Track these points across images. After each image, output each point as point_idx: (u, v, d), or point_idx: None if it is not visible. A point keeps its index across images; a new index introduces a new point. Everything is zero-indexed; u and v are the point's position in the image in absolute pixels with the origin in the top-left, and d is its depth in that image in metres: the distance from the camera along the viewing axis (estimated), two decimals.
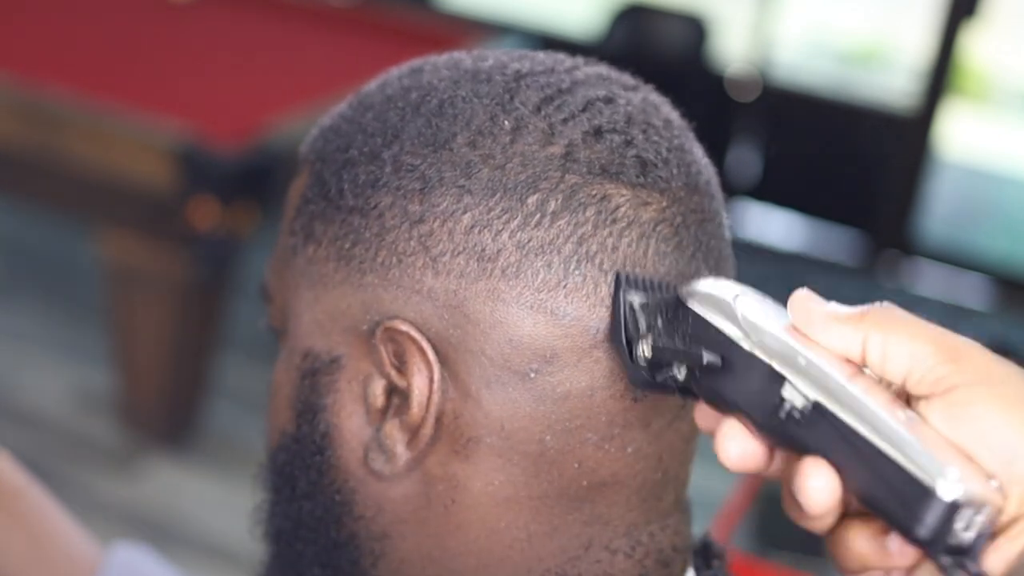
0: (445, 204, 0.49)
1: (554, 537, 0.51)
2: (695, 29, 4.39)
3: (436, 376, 0.49)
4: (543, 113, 0.50)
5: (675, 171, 0.51)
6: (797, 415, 0.44)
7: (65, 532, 0.72)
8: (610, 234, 0.48)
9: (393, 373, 0.50)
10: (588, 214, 0.48)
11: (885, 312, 0.44)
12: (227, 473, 2.71)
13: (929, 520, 0.40)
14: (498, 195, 0.48)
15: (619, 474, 0.51)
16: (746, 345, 0.46)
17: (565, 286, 0.48)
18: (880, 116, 4.43)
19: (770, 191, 4.55)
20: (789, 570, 1.51)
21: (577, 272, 0.48)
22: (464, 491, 0.50)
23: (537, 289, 0.48)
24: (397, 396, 0.50)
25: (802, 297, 0.45)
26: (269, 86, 2.96)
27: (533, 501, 0.50)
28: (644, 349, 0.47)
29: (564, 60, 0.54)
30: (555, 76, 0.52)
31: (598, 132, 0.50)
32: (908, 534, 0.41)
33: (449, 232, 0.48)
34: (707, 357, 0.47)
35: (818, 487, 0.42)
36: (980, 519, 0.40)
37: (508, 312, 0.48)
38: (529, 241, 0.48)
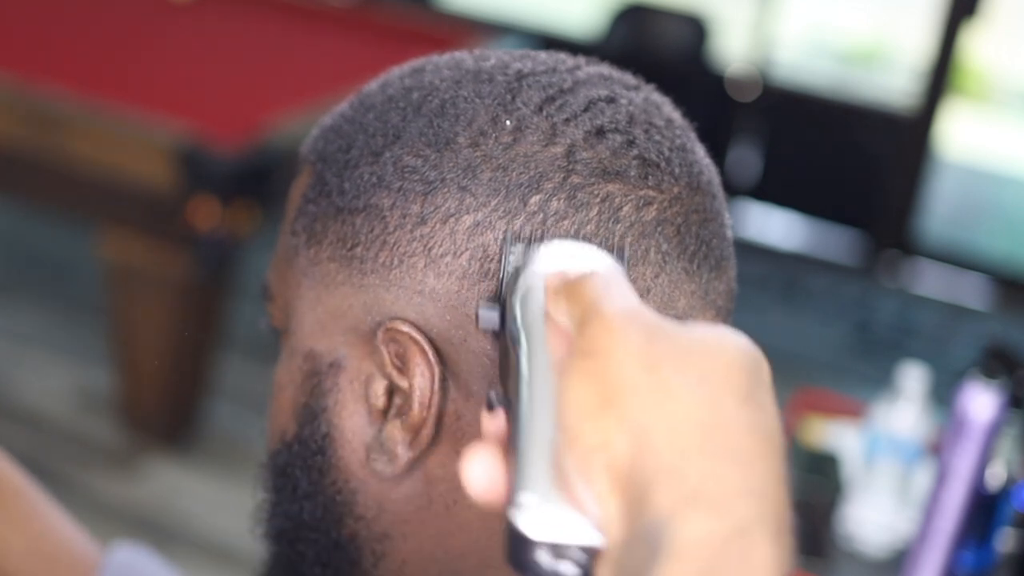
0: (447, 205, 0.49)
1: None
2: (695, 29, 4.39)
3: (437, 376, 0.49)
4: (545, 113, 0.50)
5: (677, 171, 0.50)
6: (501, 405, 0.41)
7: (65, 532, 0.72)
8: (613, 234, 0.48)
9: (394, 374, 0.50)
10: (591, 214, 0.48)
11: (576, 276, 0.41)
12: (227, 473, 2.71)
13: (510, 552, 0.36)
14: (500, 195, 0.48)
15: None
16: (508, 323, 0.43)
17: None
18: (880, 116, 4.43)
19: (770, 191, 4.55)
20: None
21: None
22: (465, 491, 0.50)
23: None
24: (399, 397, 0.50)
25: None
26: (269, 86, 2.96)
27: None
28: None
29: (566, 60, 0.54)
30: (557, 76, 0.52)
31: (600, 132, 0.49)
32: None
33: (451, 233, 0.48)
34: (484, 322, 0.44)
35: (473, 476, 0.40)
36: (579, 555, 0.35)
37: None
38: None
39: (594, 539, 0.36)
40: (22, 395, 2.89)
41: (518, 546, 0.36)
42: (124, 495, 2.61)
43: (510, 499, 0.37)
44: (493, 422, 0.43)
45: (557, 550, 0.35)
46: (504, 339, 0.44)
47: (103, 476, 2.66)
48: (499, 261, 0.47)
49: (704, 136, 0.56)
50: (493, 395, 0.42)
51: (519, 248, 0.46)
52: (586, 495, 0.36)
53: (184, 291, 2.54)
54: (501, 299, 0.45)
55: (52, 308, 3.31)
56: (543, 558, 0.35)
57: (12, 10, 3.20)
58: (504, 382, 0.44)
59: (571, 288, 0.40)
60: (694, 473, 0.34)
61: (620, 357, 0.36)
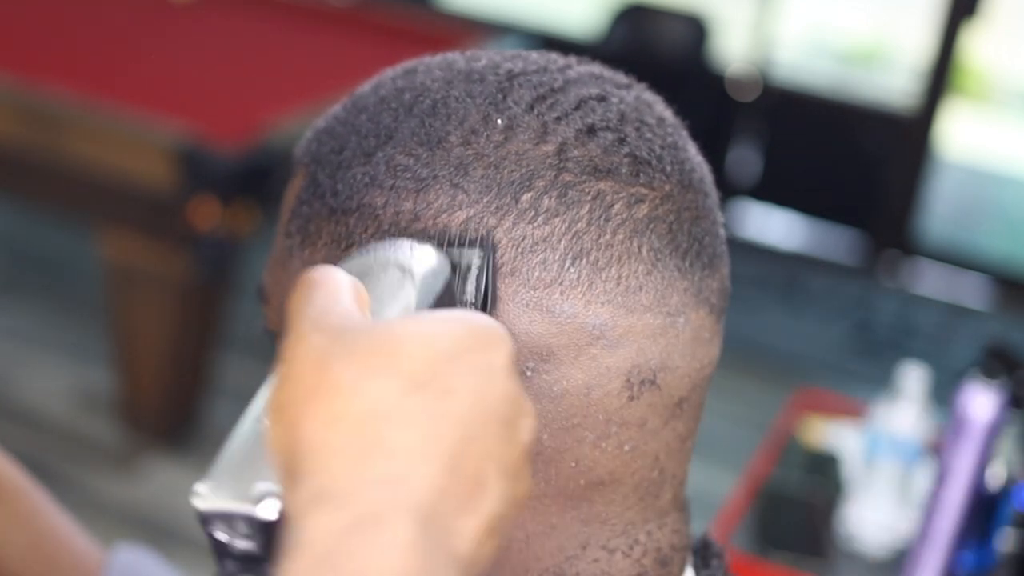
0: (439, 201, 0.49)
1: (552, 536, 0.51)
2: (695, 29, 4.40)
3: None
4: (536, 112, 0.50)
5: (668, 168, 0.51)
6: None
7: (68, 532, 0.72)
8: (605, 231, 0.48)
9: None
10: (583, 211, 0.48)
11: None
12: None
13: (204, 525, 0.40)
14: (492, 192, 0.48)
15: (616, 473, 0.51)
16: None
17: (560, 283, 0.48)
18: (880, 116, 4.43)
19: (770, 191, 4.55)
20: (789, 570, 1.51)
21: (572, 269, 0.48)
22: None
23: (532, 287, 0.48)
24: None
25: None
26: (269, 86, 2.96)
27: (530, 500, 0.50)
28: None
29: (556, 59, 0.54)
30: (548, 75, 0.52)
31: (591, 130, 0.50)
32: None
33: (444, 229, 0.49)
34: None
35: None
36: (245, 527, 0.39)
37: (504, 310, 0.48)
38: (524, 239, 0.48)
39: (259, 513, 0.38)
40: (22, 395, 2.89)
41: (201, 521, 0.40)
42: (124, 495, 2.61)
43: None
44: None
45: (229, 522, 0.39)
46: None
47: (103, 476, 2.66)
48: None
49: (704, 136, 0.56)
50: None
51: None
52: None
53: (184, 291, 2.54)
54: None
55: (52, 308, 3.31)
56: (218, 531, 0.39)
57: (12, 10, 3.21)
58: None
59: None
60: (322, 470, 0.35)
61: (297, 360, 0.38)
